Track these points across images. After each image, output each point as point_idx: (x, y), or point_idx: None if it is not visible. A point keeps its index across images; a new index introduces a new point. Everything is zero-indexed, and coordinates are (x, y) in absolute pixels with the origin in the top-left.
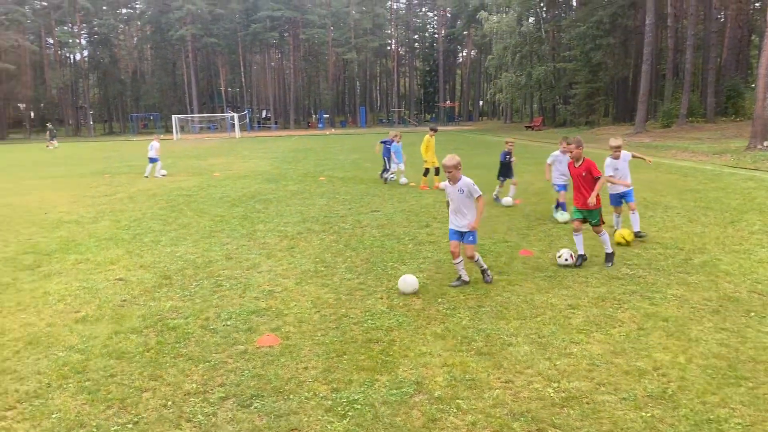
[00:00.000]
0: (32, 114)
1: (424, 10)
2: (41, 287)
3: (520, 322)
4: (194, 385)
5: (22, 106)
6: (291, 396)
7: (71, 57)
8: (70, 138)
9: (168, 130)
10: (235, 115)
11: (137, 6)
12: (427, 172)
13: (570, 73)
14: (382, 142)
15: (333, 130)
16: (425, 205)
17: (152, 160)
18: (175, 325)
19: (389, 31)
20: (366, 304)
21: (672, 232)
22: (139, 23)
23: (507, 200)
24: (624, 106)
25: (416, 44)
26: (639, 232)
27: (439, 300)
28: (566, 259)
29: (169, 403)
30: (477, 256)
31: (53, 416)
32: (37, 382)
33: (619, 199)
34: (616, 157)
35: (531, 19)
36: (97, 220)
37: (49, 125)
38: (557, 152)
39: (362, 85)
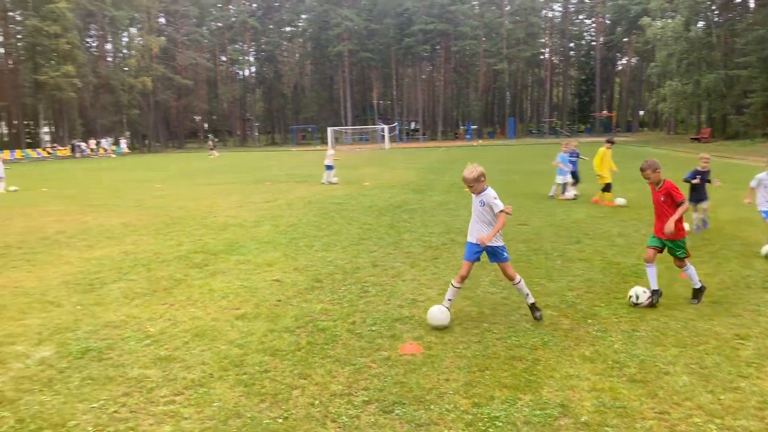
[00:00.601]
0: (206, 125)
1: (581, 17)
2: (208, 284)
3: (679, 349)
4: (340, 387)
5: (197, 118)
6: (432, 406)
7: (240, 73)
8: (237, 148)
9: (323, 141)
10: (386, 126)
11: (300, 24)
12: (606, 187)
13: (745, 81)
14: (569, 155)
15: (480, 141)
16: (576, 220)
17: (329, 168)
18: (325, 327)
19: (543, 40)
20: (509, 320)
21: None
22: (300, 40)
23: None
24: None
25: (571, 52)
26: None
27: (589, 321)
28: (639, 298)
29: (316, 402)
30: (518, 277)
31: (214, 404)
32: (201, 372)
33: None
34: None
35: (700, 24)
36: (258, 224)
37: (210, 136)
38: (763, 174)
39: (512, 96)
